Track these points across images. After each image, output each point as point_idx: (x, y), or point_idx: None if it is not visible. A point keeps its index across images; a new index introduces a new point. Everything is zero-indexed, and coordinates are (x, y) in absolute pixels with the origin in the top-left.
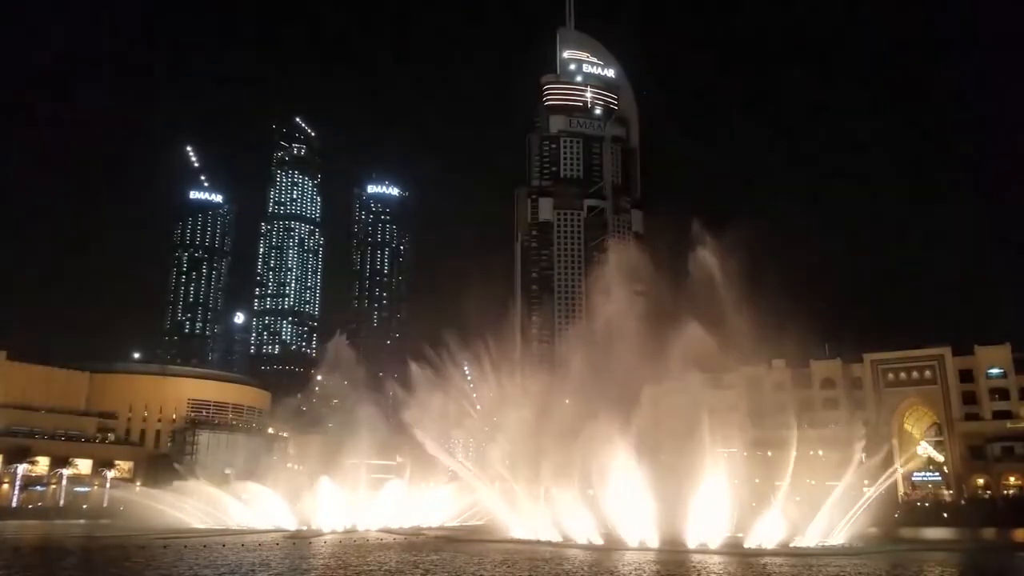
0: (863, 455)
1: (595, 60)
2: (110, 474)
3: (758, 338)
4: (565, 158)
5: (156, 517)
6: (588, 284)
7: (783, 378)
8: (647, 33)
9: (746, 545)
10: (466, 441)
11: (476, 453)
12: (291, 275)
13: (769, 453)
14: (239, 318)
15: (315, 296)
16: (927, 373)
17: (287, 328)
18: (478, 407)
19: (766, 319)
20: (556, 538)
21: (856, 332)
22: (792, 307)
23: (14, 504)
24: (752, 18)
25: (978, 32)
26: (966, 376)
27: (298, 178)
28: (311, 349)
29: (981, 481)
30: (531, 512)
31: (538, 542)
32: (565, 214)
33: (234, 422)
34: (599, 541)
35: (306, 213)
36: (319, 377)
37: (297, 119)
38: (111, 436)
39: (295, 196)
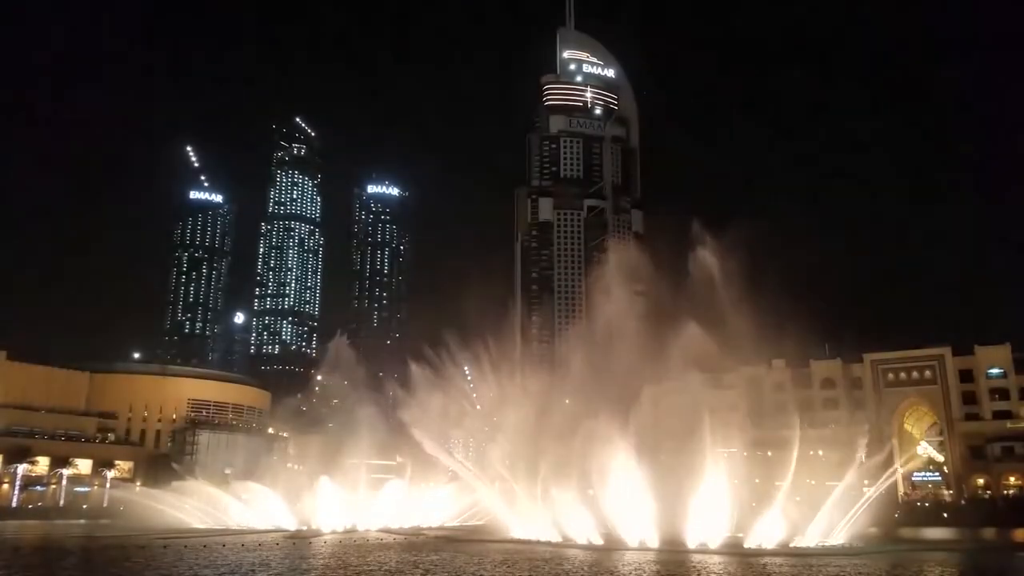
0: (863, 455)
1: (595, 60)
2: (110, 474)
3: (758, 338)
4: (565, 158)
5: (156, 517)
6: (588, 284)
7: (783, 378)
8: (647, 33)
9: (746, 545)
10: (466, 441)
11: (476, 453)
12: (291, 275)
13: (769, 453)
14: (239, 318)
15: (315, 296)
16: (927, 373)
17: (287, 328)
18: (478, 407)
19: (766, 319)
20: (556, 538)
21: (856, 332)
22: (792, 307)
23: (14, 504)
24: (752, 18)
25: (978, 32)
26: (966, 376)
27: (298, 178)
28: (311, 349)
29: (981, 481)
30: (531, 512)
31: (538, 542)
32: (565, 214)
33: (234, 422)
34: (599, 541)
35: (306, 213)
36: (319, 377)
37: (297, 119)
38: (111, 436)
39: (295, 196)
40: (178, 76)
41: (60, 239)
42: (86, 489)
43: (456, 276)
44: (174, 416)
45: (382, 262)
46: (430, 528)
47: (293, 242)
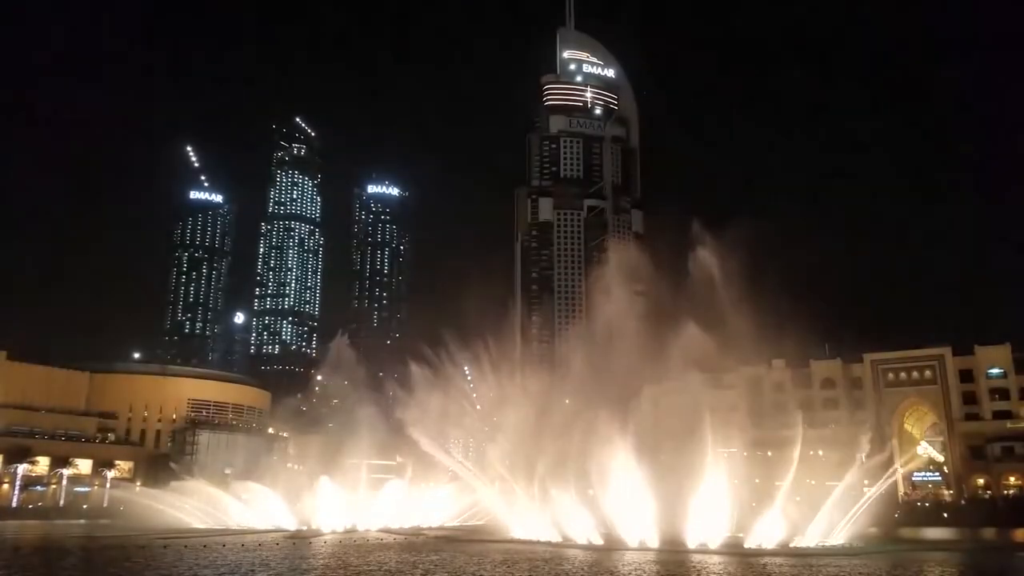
0: (864, 455)
1: (595, 60)
2: (110, 474)
3: (758, 338)
4: (565, 158)
5: (156, 517)
6: (588, 284)
7: (783, 378)
8: (647, 33)
9: (746, 545)
10: (466, 441)
11: (476, 453)
12: (291, 275)
13: (769, 453)
14: (239, 318)
15: (315, 296)
16: (927, 373)
17: (287, 328)
18: (478, 407)
19: (766, 319)
20: (556, 538)
21: (856, 332)
22: (792, 307)
23: (14, 504)
24: (752, 18)
25: (978, 32)
26: (966, 376)
27: (298, 178)
28: (311, 349)
29: (981, 481)
30: (531, 512)
31: (538, 542)
32: (565, 214)
33: (234, 422)
34: (599, 541)
35: (306, 213)
36: (319, 377)
37: (297, 119)
38: (111, 436)
39: (295, 196)
40: (178, 76)
41: (60, 239)
42: (86, 489)
43: (456, 276)
44: (174, 416)
45: (382, 262)
46: (430, 528)
47: (293, 242)
